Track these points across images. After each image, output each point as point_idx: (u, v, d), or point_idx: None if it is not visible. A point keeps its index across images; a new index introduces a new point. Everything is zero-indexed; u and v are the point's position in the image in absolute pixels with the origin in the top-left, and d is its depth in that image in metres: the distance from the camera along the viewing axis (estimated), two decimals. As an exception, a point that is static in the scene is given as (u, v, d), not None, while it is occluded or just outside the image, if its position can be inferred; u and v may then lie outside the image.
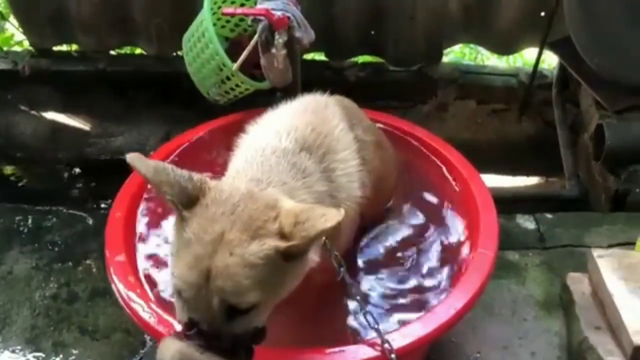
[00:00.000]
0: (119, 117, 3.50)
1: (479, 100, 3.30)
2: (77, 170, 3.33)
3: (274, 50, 1.96)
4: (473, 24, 3.19)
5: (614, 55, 2.71)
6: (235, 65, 2.15)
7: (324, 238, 1.41)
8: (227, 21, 2.42)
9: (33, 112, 3.49)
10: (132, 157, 1.25)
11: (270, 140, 1.48)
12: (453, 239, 1.82)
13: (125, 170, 2.30)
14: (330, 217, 1.17)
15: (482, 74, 3.30)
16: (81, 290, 2.19)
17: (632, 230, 2.28)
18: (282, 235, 1.20)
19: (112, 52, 3.47)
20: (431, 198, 1.98)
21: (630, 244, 2.16)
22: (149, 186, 1.89)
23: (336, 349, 1.44)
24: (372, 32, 3.22)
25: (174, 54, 3.40)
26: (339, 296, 1.66)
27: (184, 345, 1.17)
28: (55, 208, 2.52)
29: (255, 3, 2.19)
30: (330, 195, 1.44)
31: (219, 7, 2.35)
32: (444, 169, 2.00)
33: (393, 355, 1.39)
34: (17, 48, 3.70)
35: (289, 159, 1.43)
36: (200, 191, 1.25)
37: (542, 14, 3.13)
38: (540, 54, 3.15)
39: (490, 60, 3.79)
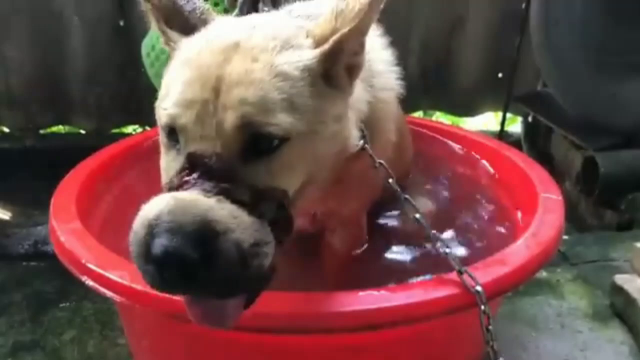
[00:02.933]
0: (46, 202, 3.01)
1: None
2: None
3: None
4: (432, 89, 3.13)
5: (584, 97, 2.66)
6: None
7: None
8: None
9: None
10: None
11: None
12: (503, 197, 1.49)
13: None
14: None
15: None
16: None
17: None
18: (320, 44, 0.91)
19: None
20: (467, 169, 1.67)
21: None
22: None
23: (404, 289, 1.02)
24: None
25: (114, 130, 3.08)
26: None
27: (181, 192, 0.78)
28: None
29: (226, 10, 1.98)
30: (364, 79, 1.10)
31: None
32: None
33: (479, 288, 0.98)
34: None
35: None
36: (199, 20, 0.99)
37: (500, 75, 3.14)
38: (505, 112, 3.09)
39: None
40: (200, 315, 0.85)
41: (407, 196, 1.08)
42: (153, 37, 2.03)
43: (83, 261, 1.07)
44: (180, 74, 0.88)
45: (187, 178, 0.80)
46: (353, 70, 0.97)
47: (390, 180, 1.07)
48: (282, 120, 0.84)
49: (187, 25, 0.98)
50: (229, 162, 0.82)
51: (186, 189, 0.79)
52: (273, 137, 0.84)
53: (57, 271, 1.94)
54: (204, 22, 0.99)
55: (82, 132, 3.09)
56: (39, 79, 2.92)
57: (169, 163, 0.89)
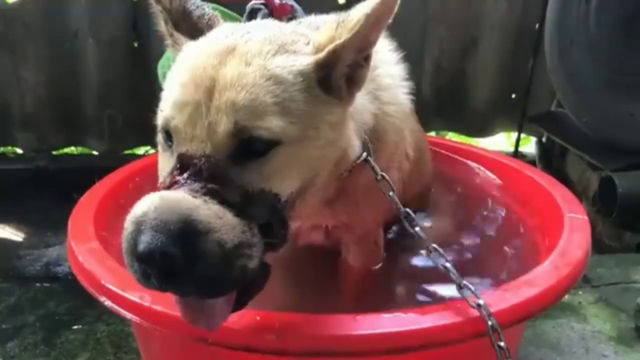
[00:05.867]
0: (59, 224, 3.00)
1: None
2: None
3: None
4: (445, 110, 3.12)
5: (600, 117, 2.63)
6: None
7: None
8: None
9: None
10: None
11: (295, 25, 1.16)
12: (523, 216, 1.46)
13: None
14: None
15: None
16: (13, 368, 1.59)
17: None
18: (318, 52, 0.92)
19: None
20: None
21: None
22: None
23: (422, 313, 0.98)
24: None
25: (126, 151, 3.07)
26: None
27: (169, 192, 0.79)
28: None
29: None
30: (371, 92, 1.11)
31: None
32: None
33: (481, 301, 0.96)
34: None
35: None
36: (206, 26, 1.01)
37: (513, 95, 3.12)
38: (519, 133, 3.07)
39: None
40: (190, 316, 0.86)
41: (407, 210, 1.06)
42: (169, 58, 2.03)
43: (102, 282, 1.05)
44: (178, 77, 0.90)
45: (177, 178, 0.82)
46: (354, 82, 0.96)
47: (391, 194, 1.05)
48: (274, 124, 0.84)
49: (195, 30, 1.00)
50: (218, 163, 0.82)
51: (176, 189, 0.80)
52: (264, 140, 0.84)
53: (70, 292, 1.93)
54: (211, 28, 1.01)
55: (95, 153, 3.09)
56: (52, 100, 2.92)
57: (164, 164, 0.91)
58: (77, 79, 2.90)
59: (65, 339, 1.70)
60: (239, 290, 0.86)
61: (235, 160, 0.84)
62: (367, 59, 0.96)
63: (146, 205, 0.78)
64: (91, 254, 1.15)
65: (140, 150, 3.13)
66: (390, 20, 0.91)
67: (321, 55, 0.90)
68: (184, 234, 0.75)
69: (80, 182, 2.99)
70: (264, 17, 1.74)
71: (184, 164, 0.83)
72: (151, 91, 2.65)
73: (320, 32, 0.95)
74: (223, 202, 0.80)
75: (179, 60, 0.95)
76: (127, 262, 0.80)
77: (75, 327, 1.75)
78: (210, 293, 0.82)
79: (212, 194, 0.79)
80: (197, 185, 0.80)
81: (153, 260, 0.74)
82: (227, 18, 2.04)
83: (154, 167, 1.60)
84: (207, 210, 0.77)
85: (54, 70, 2.87)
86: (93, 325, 1.75)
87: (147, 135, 2.97)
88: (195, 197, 0.78)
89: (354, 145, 1.02)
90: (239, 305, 0.88)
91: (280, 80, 0.87)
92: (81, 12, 2.76)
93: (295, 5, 1.77)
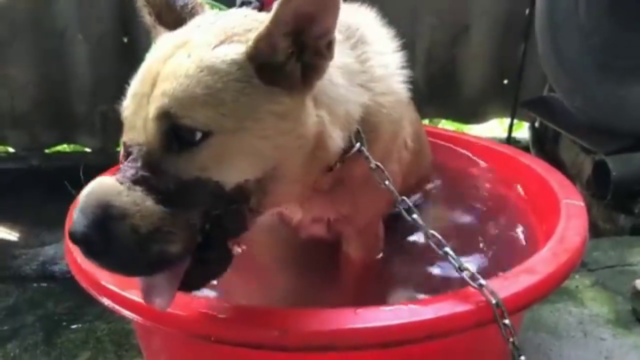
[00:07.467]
0: (54, 221, 2.99)
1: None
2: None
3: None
4: (438, 97, 3.11)
5: (593, 100, 2.64)
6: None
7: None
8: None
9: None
10: None
11: None
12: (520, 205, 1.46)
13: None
14: None
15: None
16: (13, 370, 1.59)
17: (674, 247, 2.01)
18: None
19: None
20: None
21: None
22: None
23: (423, 305, 0.99)
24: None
25: (119, 148, 3.05)
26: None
27: (108, 177, 0.85)
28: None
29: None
30: (362, 84, 1.08)
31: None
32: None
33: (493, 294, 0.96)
34: None
35: None
36: (189, 14, 1.02)
37: (505, 81, 3.13)
38: (512, 119, 3.08)
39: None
40: (143, 294, 0.92)
41: (404, 197, 1.07)
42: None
43: (102, 282, 1.05)
44: (140, 69, 0.93)
45: (122, 164, 0.87)
46: (313, 70, 0.94)
47: (387, 182, 1.06)
48: (201, 115, 0.85)
49: (178, 20, 1.01)
50: (151, 152, 0.86)
51: (116, 174, 0.85)
52: (191, 129, 0.86)
53: (69, 291, 1.92)
54: (194, 17, 1.01)
55: (87, 150, 3.07)
56: (43, 98, 2.91)
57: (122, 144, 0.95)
58: (67, 75, 2.88)
59: (66, 339, 1.69)
60: (193, 273, 0.91)
61: (168, 149, 0.86)
62: (329, 46, 0.93)
63: (87, 188, 0.84)
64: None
65: (133, 146, 3.11)
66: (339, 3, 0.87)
67: (249, 43, 0.89)
68: (99, 218, 0.81)
69: (74, 180, 2.98)
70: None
71: (126, 151, 0.88)
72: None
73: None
74: (151, 189, 0.84)
75: (148, 53, 0.96)
76: None
77: (75, 326, 1.75)
78: (130, 272, 0.89)
79: (140, 181, 0.84)
80: (130, 173, 0.84)
81: (76, 238, 0.81)
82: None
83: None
84: (126, 197, 0.82)
85: (44, 68, 2.85)
86: (93, 324, 1.75)
87: (139, 131, 2.96)
88: (123, 183, 0.83)
89: (332, 136, 1.00)
90: (191, 287, 0.94)
91: (215, 70, 0.87)
92: (68, 8, 2.74)
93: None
